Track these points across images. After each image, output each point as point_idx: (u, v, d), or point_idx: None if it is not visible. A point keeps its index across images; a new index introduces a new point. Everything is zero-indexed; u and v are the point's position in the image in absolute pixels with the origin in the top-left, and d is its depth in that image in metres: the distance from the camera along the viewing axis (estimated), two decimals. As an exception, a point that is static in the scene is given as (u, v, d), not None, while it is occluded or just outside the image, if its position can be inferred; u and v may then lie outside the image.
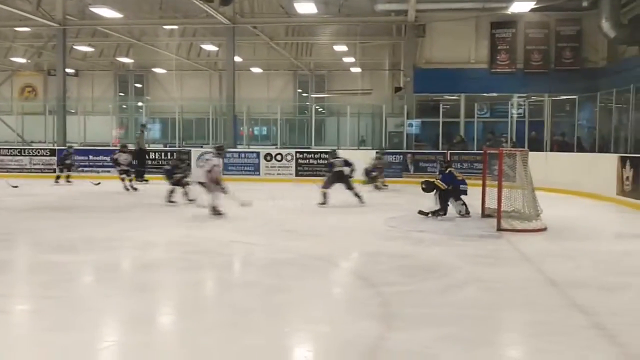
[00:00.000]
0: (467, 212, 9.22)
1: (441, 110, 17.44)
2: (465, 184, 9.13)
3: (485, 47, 18.68)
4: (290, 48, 24.79)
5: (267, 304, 4.71)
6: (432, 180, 9.32)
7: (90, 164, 17.32)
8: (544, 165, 13.02)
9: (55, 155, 17.57)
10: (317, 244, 7.34)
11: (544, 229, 8.13)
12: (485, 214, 9.24)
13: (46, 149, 18.09)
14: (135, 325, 4.17)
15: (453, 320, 4.26)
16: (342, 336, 3.96)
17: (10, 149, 18.05)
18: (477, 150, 15.92)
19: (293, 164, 16.82)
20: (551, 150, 14.83)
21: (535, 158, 9.67)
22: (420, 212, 9.17)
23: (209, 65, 27.77)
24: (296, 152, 17.02)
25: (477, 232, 8.06)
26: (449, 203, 9.09)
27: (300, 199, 11.69)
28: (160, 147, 20.28)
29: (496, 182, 8.47)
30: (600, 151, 13.22)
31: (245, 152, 17.41)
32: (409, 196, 11.99)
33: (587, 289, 5.21)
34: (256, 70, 26.96)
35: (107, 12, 15.98)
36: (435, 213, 8.94)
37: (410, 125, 17.63)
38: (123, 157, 13.69)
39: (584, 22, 17.92)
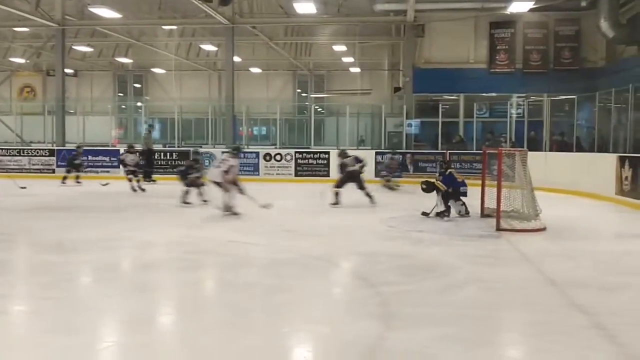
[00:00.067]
0: (467, 212, 9.22)
1: (440, 110, 17.43)
2: (465, 185, 9.13)
3: (484, 47, 18.69)
4: (289, 48, 24.79)
5: (266, 304, 4.71)
6: (432, 180, 9.32)
7: (90, 164, 17.29)
8: (543, 165, 13.04)
9: (54, 156, 17.57)
10: (317, 244, 7.33)
11: (544, 229, 8.14)
12: (484, 214, 9.24)
13: (45, 149, 18.08)
14: (135, 326, 4.17)
15: (452, 320, 4.26)
16: (341, 336, 3.96)
17: (9, 149, 18.04)
18: (476, 150, 15.93)
19: (292, 164, 16.82)
20: (550, 150, 14.85)
21: (535, 158, 9.67)
22: (423, 214, 9.17)
23: (208, 66, 27.77)
24: (295, 152, 17.02)
25: (477, 232, 8.06)
26: (449, 204, 9.09)
27: (300, 199, 11.69)
28: (159, 147, 20.24)
29: (495, 182, 8.47)
30: (599, 151, 13.23)
31: (244, 152, 17.39)
32: (409, 196, 12.00)
33: (586, 289, 5.21)
34: (255, 70, 26.97)
35: (106, 12, 15.98)
36: (440, 214, 8.93)
37: (410, 125, 17.62)
38: (130, 158, 13.53)
39: (583, 22, 17.94)
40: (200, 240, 7.46)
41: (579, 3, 16.56)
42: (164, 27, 22.51)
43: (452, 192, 9.00)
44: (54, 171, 17.30)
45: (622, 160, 11.25)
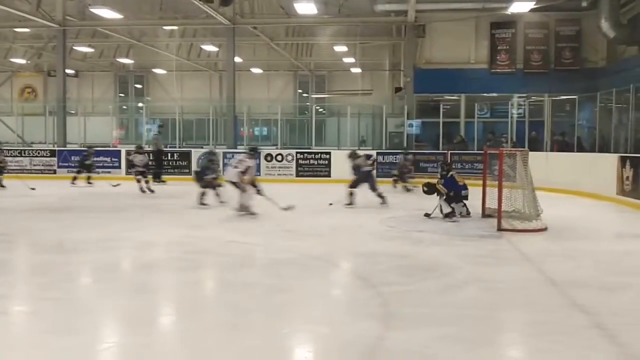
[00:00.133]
0: (468, 213, 9.21)
1: (441, 110, 17.43)
2: (467, 189, 9.11)
3: (485, 47, 18.69)
4: (290, 48, 24.80)
5: (267, 304, 4.71)
6: (433, 183, 9.33)
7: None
8: (544, 165, 13.02)
9: (55, 156, 17.59)
10: (317, 244, 7.33)
11: (545, 229, 8.13)
12: (485, 214, 9.24)
13: (46, 149, 18.10)
14: (135, 326, 4.16)
15: (453, 320, 4.25)
16: (341, 336, 3.95)
17: (10, 149, 18.05)
18: (477, 150, 15.92)
19: (293, 164, 16.82)
20: (551, 150, 14.83)
21: (536, 158, 9.67)
22: (426, 215, 9.16)
23: (209, 66, 27.79)
24: (296, 153, 17.02)
25: (478, 232, 8.05)
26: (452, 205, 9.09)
27: (300, 200, 11.67)
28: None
29: (496, 182, 8.46)
30: (600, 151, 13.22)
31: (216, 151, 17.35)
32: (409, 196, 11.99)
33: (587, 289, 5.20)
34: (256, 70, 26.98)
35: (107, 13, 15.99)
36: (449, 215, 8.91)
37: (411, 125, 17.62)
38: (138, 159, 13.30)
39: (584, 22, 17.93)
40: (201, 240, 7.46)
41: (580, 3, 16.55)
42: (165, 27, 22.52)
43: (453, 195, 8.99)
44: (55, 172, 17.32)
45: (623, 161, 11.23)
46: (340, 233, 8.18)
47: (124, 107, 27.93)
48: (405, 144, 17.27)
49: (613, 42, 16.06)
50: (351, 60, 23.92)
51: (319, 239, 7.73)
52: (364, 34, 21.72)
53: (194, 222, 9.02)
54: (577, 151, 14.11)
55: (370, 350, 3.70)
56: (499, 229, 8.06)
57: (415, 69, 18.40)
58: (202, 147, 18.51)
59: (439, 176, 9.42)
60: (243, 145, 19.58)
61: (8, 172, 14.74)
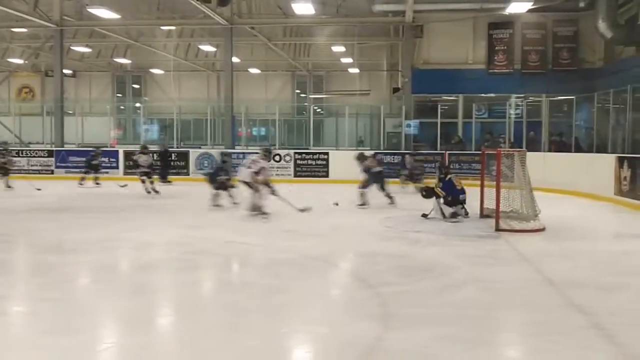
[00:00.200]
0: (466, 214, 9.22)
1: (439, 110, 17.44)
2: (464, 193, 9.11)
3: (483, 47, 18.72)
4: (288, 49, 24.79)
5: (265, 304, 4.71)
6: (432, 187, 9.34)
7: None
8: (542, 165, 13.05)
9: (53, 157, 17.55)
10: (316, 245, 7.33)
11: (542, 229, 8.15)
12: (483, 215, 9.26)
13: (44, 150, 18.06)
14: (134, 327, 4.17)
15: (451, 320, 4.26)
16: (340, 337, 3.96)
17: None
18: (475, 150, 15.95)
19: (291, 164, 16.82)
20: (549, 151, 14.86)
21: (533, 158, 9.68)
22: (423, 215, 9.18)
23: (207, 66, 27.76)
24: (294, 153, 17.02)
25: (476, 233, 8.07)
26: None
27: (298, 200, 11.66)
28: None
29: (494, 183, 8.48)
30: (598, 151, 13.25)
31: (243, 153, 17.39)
32: (407, 197, 11.99)
33: (585, 289, 5.21)
34: (254, 70, 26.96)
35: (104, 13, 15.96)
36: (453, 215, 8.92)
37: (409, 125, 17.63)
38: (143, 159, 13.06)
39: (581, 23, 17.97)
40: (200, 240, 7.46)
41: (577, 4, 16.58)
42: (162, 27, 22.48)
43: (451, 200, 9.00)
44: (52, 172, 17.29)
45: (620, 161, 11.26)
46: (338, 233, 8.19)
47: (122, 107, 27.89)
48: (403, 145, 17.28)
49: (610, 42, 16.09)
50: (349, 60, 23.92)
51: (317, 239, 7.73)
52: (361, 34, 21.73)
53: (193, 223, 9.03)
54: (575, 151, 14.15)
55: (369, 350, 3.70)
56: (497, 229, 8.08)
57: (413, 69, 18.42)
58: (199, 148, 18.51)
59: (437, 179, 9.43)
60: (241, 145, 19.59)
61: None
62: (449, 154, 16.21)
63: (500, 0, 15.88)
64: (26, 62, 26.51)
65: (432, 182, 10.23)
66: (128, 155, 17.24)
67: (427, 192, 9.31)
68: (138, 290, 5.16)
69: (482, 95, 18.43)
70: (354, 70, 25.41)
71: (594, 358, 3.68)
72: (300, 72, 27.89)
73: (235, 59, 20.21)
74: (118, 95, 29.50)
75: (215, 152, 17.42)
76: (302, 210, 9.38)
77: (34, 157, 17.62)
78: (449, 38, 18.49)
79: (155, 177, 13.84)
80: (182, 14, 20.19)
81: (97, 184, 14.78)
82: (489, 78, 18.56)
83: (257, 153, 10.10)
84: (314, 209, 9.64)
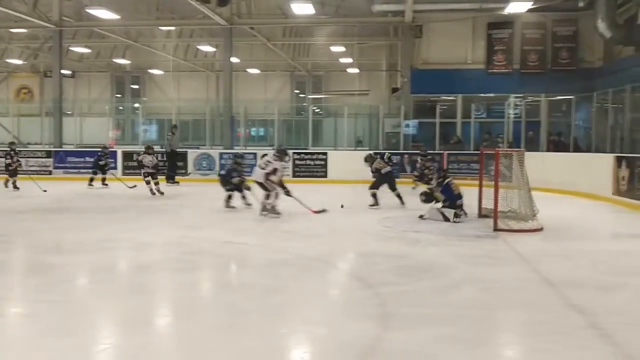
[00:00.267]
0: (465, 214, 9.22)
1: (438, 110, 17.43)
2: (462, 197, 9.09)
3: (482, 47, 18.73)
4: (287, 49, 24.80)
5: (264, 305, 4.71)
6: (431, 191, 9.34)
7: (87, 165, 17.26)
8: (540, 165, 13.05)
9: (51, 157, 17.54)
10: (314, 245, 7.34)
11: (541, 229, 8.15)
12: (482, 215, 9.27)
13: (42, 150, 18.05)
14: (132, 328, 4.16)
15: (450, 320, 4.26)
16: (339, 337, 3.95)
17: (2, 150, 17.99)
18: (474, 150, 15.95)
19: (290, 164, 16.81)
20: (547, 150, 14.87)
21: (532, 158, 9.68)
22: (420, 217, 9.17)
23: (206, 66, 27.76)
24: (293, 153, 17.01)
25: (474, 233, 8.07)
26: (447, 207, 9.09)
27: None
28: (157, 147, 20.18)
29: (493, 183, 8.48)
30: (597, 151, 13.26)
31: (242, 153, 17.38)
32: (405, 197, 11.97)
33: (583, 289, 5.22)
34: (253, 71, 26.96)
35: (103, 14, 15.96)
36: (456, 215, 8.92)
37: (407, 125, 17.63)
38: (147, 159, 12.83)
39: (580, 23, 17.98)
40: (198, 241, 7.45)
41: (577, 4, 16.60)
42: (161, 28, 22.49)
43: (449, 204, 9.01)
44: (50, 172, 17.27)
45: (619, 161, 11.27)
46: (337, 233, 8.18)
47: (121, 107, 27.87)
48: (402, 145, 17.27)
49: (610, 42, 16.10)
50: (348, 60, 23.94)
51: (316, 240, 7.73)
52: (361, 35, 21.74)
53: (192, 223, 9.02)
54: (574, 151, 14.15)
55: (368, 350, 3.70)
56: (496, 229, 8.08)
57: (412, 69, 18.42)
58: (198, 148, 18.48)
59: (435, 183, 9.44)
60: (240, 145, 19.58)
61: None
62: (448, 154, 16.21)
63: (500, 0, 15.88)
64: (25, 62, 26.52)
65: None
66: (127, 155, 17.24)
67: (427, 197, 9.31)
68: (136, 291, 5.15)
69: (481, 95, 18.43)
70: (353, 71, 25.43)
71: (593, 358, 3.68)
72: (299, 73, 27.90)
73: (234, 59, 20.22)
74: (117, 95, 29.50)
75: (214, 152, 17.43)
76: (318, 212, 9.34)
77: (33, 157, 17.59)
78: (448, 38, 18.50)
79: (161, 177, 13.68)
80: (181, 14, 20.18)
81: (105, 184, 14.64)
82: (488, 78, 18.57)
83: (266, 154, 10.12)
84: (305, 209, 9.62)
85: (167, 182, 15.08)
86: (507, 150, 9.84)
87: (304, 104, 26.78)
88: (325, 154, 16.92)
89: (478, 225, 8.61)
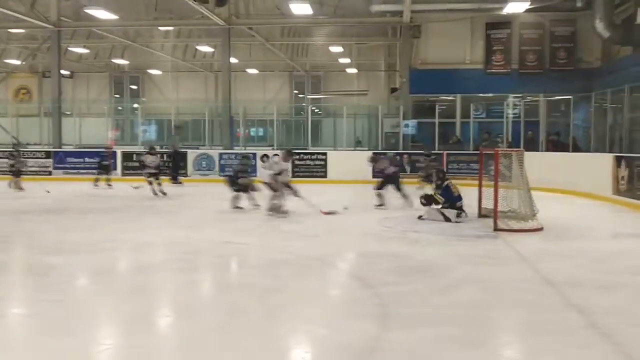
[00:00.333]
0: (465, 215, 9.22)
1: (437, 110, 17.45)
2: (461, 199, 9.09)
3: (481, 47, 18.75)
4: (286, 49, 24.79)
5: (264, 305, 4.71)
6: (431, 195, 9.33)
7: (86, 166, 17.27)
8: (539, 165, 13.05)
9: (50, 158, 17.52)
10: (314, 245, 7.34)
11: (541, 229, 8.16)
12: (481, 214, 9.27)
13: (41, 151, 18.02)
14: (132, 328, 4.16)
15: (450, 320, 4.26)
16: (339, 337, 3.95)
17: (5, 151, 17.96)
18: (473, 150, 15.96)
19: (289, 164, 16.78)
20: (546, 150, 14.88)
21: (531, 158, 9.69)
22: (419, 217, 9.17)
23: (205, 67, 27.74)
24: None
25: (474, 233, 8.08)
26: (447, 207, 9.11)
27: (296, 200, 11.66)
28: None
29: (492, 183, 8.48)
30: (596, 151, 13.27)
31: (241, 154, 17.38)
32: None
33: (583, 289, 5.22)
34: (252, 71, 26.95)
35: (102, 14, 15.96)
36: (458, 215, 8.93)
37: (406, 125, 17.64)
38: (150, 159, 12.66)
39: (579, 23, 18.01)
40: (198, 241, 7.45)
41: (575, 4, 16.62)
42: (160, 28, 22.48)
43: (448, 207, 9.01)
44: (50, 173, 17.25)
45: (618, 160, 11.28)
46: (337, 233, 8.18)
47: (120, 108, 27.85)
48: (401, 145, 17.28)
49: (608, 42, 16.13)
50: (347, 60, 23.94)
51: (316, 240, 7.74)
52: (359, 35, 21.75)
53: (192, 223, 9.02)
54: (573, 151, 14.17)
55: (368, 350, 3.70)
56: (495, 229, 8.08)
57: (411, 69, 18.43)
58: (197, 148, 18.48)
59: (435, 185, 9.44)
60: (239, 146, 19.58)
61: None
62: (447, 154, 16.21)
63: (498, 0, 15.89)
64: (23, 63, 26.46)
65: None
66: (127, 156, 17.22)
67: (427, 200, 9.28)
68: (136, 292, 5.15)
69: (480, 95, 18.45)
70: (352, 71, 25.44)
71: (593, 357, 3.68)
72: (298, 73, 27.89)
73: (233, 60, 20.21)
74: (116, 96, 29.47)
75: (214, 152, 17.43)
76: (328, 213, 9.32)
77: (32, 158, 17.56)
78: (447, 38, 18.52)
79: (164, 178, 13.60)
80: (179, 14, 20.18)
81: (109, 185, 14.59)
82: (486, 78, 18.59)
83: (277, 154, 10.14)
84: (313, 210, 9.62)
85: (172, 183, 15.08)
86: (506, 150, 9.84)
87: (303, 104, 26.77)
88: (324, 154, 16.93)
89: (478, 225, 8.62)
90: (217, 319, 4.43)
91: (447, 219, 8.84)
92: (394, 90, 21.13)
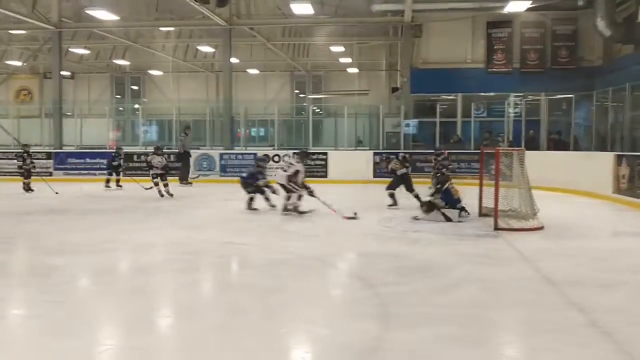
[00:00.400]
0: (467, 213, 9.22)
1: (438, 110, 17.44)
2: (461, 202, 9.09)
3: (482, 46, 18.74)
4: (287, 49, 24.79)
5: (264, 305, 4.71)
6: (432, 202, 9.26)
7: (88, 166, 17.30)
8: (540, 164, 13.04)
9: (51, 159, 17.54)
10: (315, 245, 7.35)
11: (541, 228, 8.16)
12: (482, 214, 9.27)
13: (42, 152, 18.05)
14: (133, 329, 4.17)
15: (451, 320, 4.26)
16: (340, 337, 3.96)
17: (7, 152, 18.00)
18: (474, 149, 15.95)
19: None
20: (548, 149, 14.87)
21: (532, 157, 9.68)
22: (414, 218, 9.15)
23: (206, 67, 27.75)
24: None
25: (474, 232, 8.08)
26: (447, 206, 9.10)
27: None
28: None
29: (493, 182, 8.48)
30: (597, 150, 13.26)
31: (242, 154, 17.41)
32: (404, 196, 11.98)
33: (584, 287, 5.22)
34: (253, 71, 26.95)
35: (103, 15, 15.97)
36: (460, 215, 8.92)
37: (407, 125, 17.64)
38: (157, 160, 12.52)
39: (580, 21, 18.00)
40: (198, 241, 7.46)
41: (576, 2, 16.62)
42: (161, 28, 22.48)
43: (448, 207, 9.00)
44: (51, 174, 17.26)
45: (619, 159, 11.27)
46: (337, 233, 8.18)
47: (121, 108, 27.87)
48: (402, 144, 17.27)
49: (609, 40, 16.11)
50: (348, 60, 23.93)
51: (316, 240, 7.74)
52: (360, 34, 21.73)
53: (193, 223, 9.03)
54: (574, 150, 14.15)
55: (369, 350, 3.71)
56: (496, 228, 8.08)
57: (412, 68, 18.42)
58: (198, 149, 18.48)
59: (435, 189, 9.42)
60: (240, 146, 19.58)
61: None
62: (448, 153, 16.17)
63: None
64: (24, 64, 26.50)
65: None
66: (127, 156, 17.22)
67: (429, 207, 9.18)
68: (137, 292, 5.16)
69: (481, 94, 18.44)
70: (353, 70, 25.43)
71: (593, 356, 3.68)
72: (299, 73, 27.88)
73: (234, 60, 20.22)
74: (117, 96, 29.49)
75: (214, 152, 17.43)
76: (350, 218, 9.19)
77: (33, 159, 17.56)
78: (448, 37, 18.51)
79: (172, 178, 13.51)
80: (180, 15, 20.17)
81: (119, 186, 14.47)
82: (487, 77, 18.58)
83: (290, 156, 10.17)
84: (314, 210, 9.61)
85: (180, 183, 15.06)
86: (507, 149, 9.84)
87: (304, 104, 26.75)
88: (325, 154, 16.92)
89: (478, 225, 8.62)
90: (217, 319, 4.43)
91: (448, 219, 8.83)
92: (395, 89, 21.11)
